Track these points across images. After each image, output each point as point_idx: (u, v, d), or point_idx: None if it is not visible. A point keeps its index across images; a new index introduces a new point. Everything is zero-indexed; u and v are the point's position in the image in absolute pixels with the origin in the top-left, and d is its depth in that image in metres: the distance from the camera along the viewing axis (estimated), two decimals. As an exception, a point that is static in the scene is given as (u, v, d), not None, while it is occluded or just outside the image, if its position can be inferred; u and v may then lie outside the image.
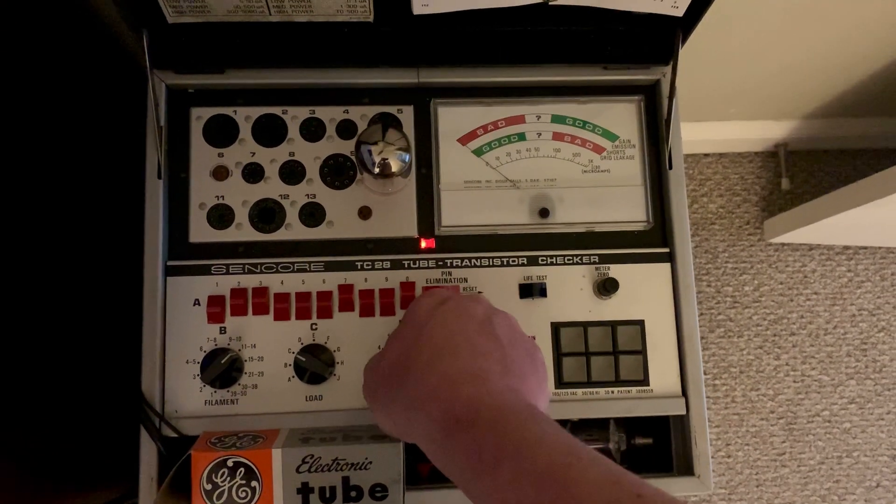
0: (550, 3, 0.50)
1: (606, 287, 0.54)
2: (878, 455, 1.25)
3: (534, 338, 0.54)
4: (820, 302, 1.28)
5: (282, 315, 0.53)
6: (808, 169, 1.32)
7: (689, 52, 0.90)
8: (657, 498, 0.31)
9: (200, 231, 0.54)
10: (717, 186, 1.30)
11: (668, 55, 0.56)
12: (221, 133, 0.55)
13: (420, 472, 0.56)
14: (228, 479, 0.46)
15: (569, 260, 0.56)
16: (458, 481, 0.37)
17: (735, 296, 1.27)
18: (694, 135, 1.25)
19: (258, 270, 0.54)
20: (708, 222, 1.29)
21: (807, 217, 1.14)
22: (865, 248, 1.30)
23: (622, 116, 0.58)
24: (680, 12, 0.51)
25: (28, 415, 0.55)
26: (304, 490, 0.46)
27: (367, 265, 0.54)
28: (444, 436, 0.38)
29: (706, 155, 1.31)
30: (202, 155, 0.55)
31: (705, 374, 1.25)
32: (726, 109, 1.20)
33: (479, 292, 0.55)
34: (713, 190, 1.30)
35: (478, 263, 0.55)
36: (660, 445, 0.57)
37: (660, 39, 0.55)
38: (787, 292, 1.28)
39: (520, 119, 0.57)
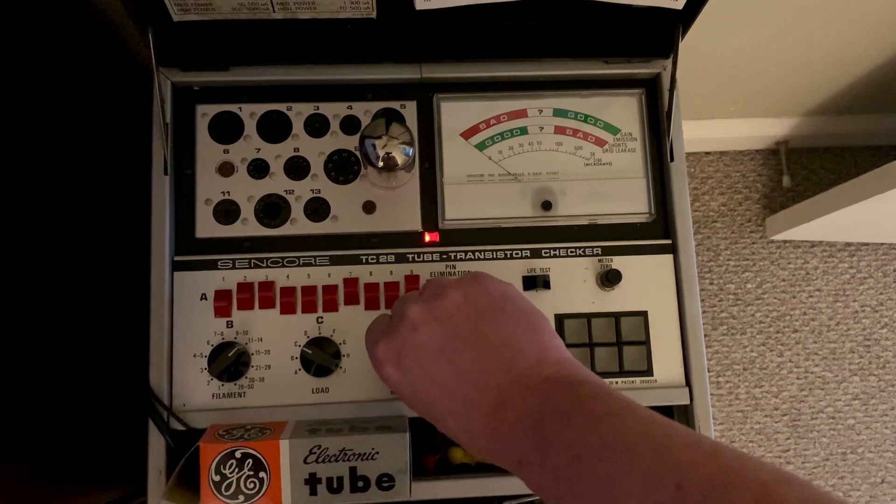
0: (551, -2, 0.51)
1: (609, 278, 0.54)
2: (883, 451, 1.25)
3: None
4: (822, 299, 1.28)
5: (288, 309, 0.54)
6: (809, 166, 1.32)
7: (690, 51, 0.91)
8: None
9: (207, 226, 0.55)
10: (719, 184, 1.31)
11: (668, 48, 0.56)
12: (227, 129, 0.56)
13: (426, 465, 0.57)
14: (236, 470, 0.46)
15: (572, 252, 0.56)
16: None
17: (737, 293, 1.28)
18: (695, 133, 1.25)
19: (264, 265, 0.54)
20: (710, 220, 1.29)
21: (808, 214, 1.15)
22: (867, 244, 1.30)
23: (623, 110, 0.59)
24: (679, 5, 0.51)
25: (34, 413, 0.56)
26: (312, 480, 0.47)
27: (372, 259, 0.55)
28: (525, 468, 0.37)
29: (707, 153, 1.32)
30: (208, 151, 0.56)
31: (709, 371, 1.25)
32: (727, 107, 1.21)
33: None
34: (715, 188, 1.31)
35: (481, 256, 0.56)
36: (664, 436, 0.58)
37: (660, 33, 0.55)
38: (790, 289, 1.28)
39: (522, 113, 0.58)
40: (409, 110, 0.57)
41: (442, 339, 0.41)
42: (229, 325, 0.53)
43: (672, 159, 0.57)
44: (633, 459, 0.32)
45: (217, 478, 0.46)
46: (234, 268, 0.54)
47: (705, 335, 1.26)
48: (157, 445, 0.52)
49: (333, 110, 0.57)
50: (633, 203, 0.57)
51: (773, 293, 1.28)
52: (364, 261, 0.55)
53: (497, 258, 0.56)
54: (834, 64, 1.04)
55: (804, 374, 1.26)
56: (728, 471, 0.29)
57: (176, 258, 0.54)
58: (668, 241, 0.57)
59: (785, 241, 1.29)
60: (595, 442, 0.33)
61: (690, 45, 0.89)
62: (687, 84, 1.04)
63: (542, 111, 0.58)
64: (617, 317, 0.55)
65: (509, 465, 0.38)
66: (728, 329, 1.27)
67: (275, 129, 0.56)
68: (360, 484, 0.47)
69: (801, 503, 0.27)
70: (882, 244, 1.30)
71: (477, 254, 0.56)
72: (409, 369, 0.42)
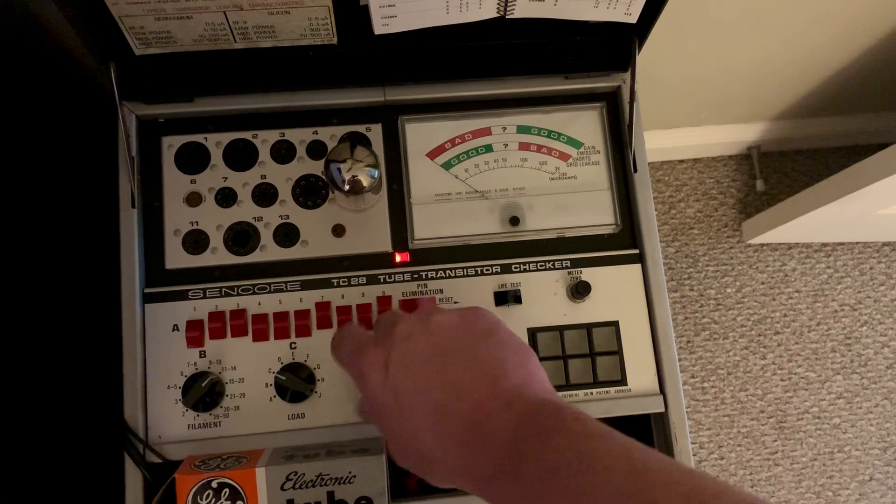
0: (507, 17, 0.51)
1: (579, 290, 0.55)
2: (869, 448, 1.26)
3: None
4: (802, 300, 1.29)
5: (260, 336, 0.54)
6: (782, 169, 1.34)
7: (657, 62, 0.92)
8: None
9: (176, 257, 0.55)
10: (694, 191, 1.32)
11: (626, 62, 0.57)
12: (193, 160, 0.56)
13: (408, 486, 0.57)
14: (213, 500, 0.46)
15: (541, 266, 0.56)
16: None
17: (718, 298, 1.28)
18: (667, 141, 1.27)
19: (235, 293, 0.54)
20: (687, 227, 1.30)
21: (783, 216, 1.16)
22: (843, 243, 1.31)
23: (586, 124, 0.59)
24: (633, 19, 0.52)
25: (8, 453, 0.55)
26: (290, 507, 0.47)
27: (343, 282, 0.55)
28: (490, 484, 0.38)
29: (681, 161, 1.33)
30: (175, 182, 0.56)
31: (693, 377, 1.25)
32: (698, 115, 1.22)
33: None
34: (690, 195, 1.32)
35: (452, 274, 0.56)
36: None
37: (617, 47, 0.56)
38: (769, 292, 1.29)
39: (486, 131, 0.58)
40: (375, 133, 0.58)
41: (433, 348, 0.41)
42: (202, 354, 0.53)
43: (635, 170, 0.58)
44: (609, 476, 0.32)
45: (194, 509, 0.46)
46: (204, 297, 0.54)
47: (688, 341, 1.27)
48: (133, 479, 0.51)
49: (299, 136, 0.57)
50: (600, 215, 0.58)
51: (753, 296, 1.29)
52: (335, 284, 0.55)
53: (468, 275, 0.56)
54: (800, 68, 1.05)
55: (788, 375, 1.27)
56: (704, 491, 0.30)
57: (146, 290, 0.54)
58: (636, 251, 0.57)
59: (762, 245, 1.31)
60: (572, 458, 0.34)
61: (657, 55, 0.90)
62: (656, 93, 1.05)
63: (505, 128, 0.59)
64: (589, 328, 0.56)
65: (480, 481, 0.38)
66: (710, 334, 1.27)
67: (241, 157, 0.57)
68: (339, 508, 0.47)
69: None
70: (857, 243, 1.32)
71: (448, 272, 0.56)
72: (395, 376, 0.41)
